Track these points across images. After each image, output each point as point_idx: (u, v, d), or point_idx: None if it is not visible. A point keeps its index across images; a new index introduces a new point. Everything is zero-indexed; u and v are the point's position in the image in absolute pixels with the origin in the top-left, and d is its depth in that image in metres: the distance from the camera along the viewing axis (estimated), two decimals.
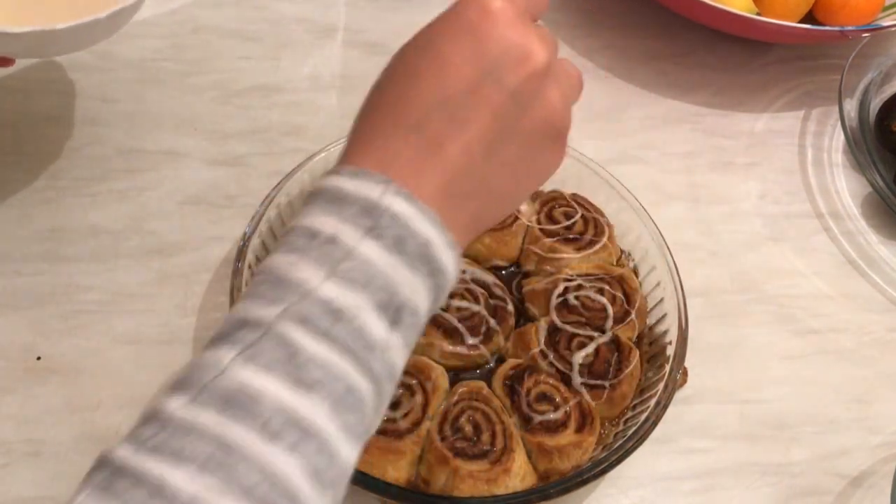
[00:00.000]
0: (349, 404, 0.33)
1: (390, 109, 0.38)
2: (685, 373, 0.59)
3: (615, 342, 0.57)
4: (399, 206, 0.35)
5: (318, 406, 0.32)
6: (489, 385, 0.55)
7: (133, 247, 0.63)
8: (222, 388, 0.32)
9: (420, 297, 0.36)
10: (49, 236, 0.63)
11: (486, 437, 0.51)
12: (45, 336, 0.58)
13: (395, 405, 0.52)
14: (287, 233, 0.36)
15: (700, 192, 0.74)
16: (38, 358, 0.58)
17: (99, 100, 0.71)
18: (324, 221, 0.35)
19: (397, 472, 0.50)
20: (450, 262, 0.37)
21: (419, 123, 0.37)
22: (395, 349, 0.35)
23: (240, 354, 0.33)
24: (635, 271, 0.62)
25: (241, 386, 0.32)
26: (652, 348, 0.59)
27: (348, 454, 0.33)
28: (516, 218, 0.62)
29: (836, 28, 0.79)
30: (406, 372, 0.53)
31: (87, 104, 0.70)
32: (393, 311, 0.35)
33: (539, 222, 0.62)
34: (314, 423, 0.32)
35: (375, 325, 0.34)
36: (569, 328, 0.57)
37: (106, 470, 0.32)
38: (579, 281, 0.59)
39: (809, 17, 0.82)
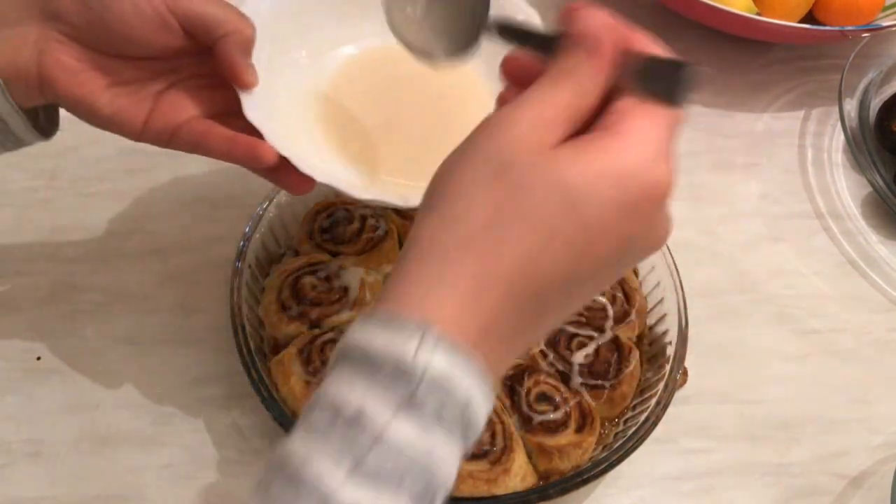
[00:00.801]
0: None
1: (465, 250, 0.33)
2: (685, 373, 0.59)
3: (615, 342, 0.57)
4: (439, 363, 0.30)
5: None
6: None
7: (133, 247, 0.63)
8: None
9: (454, 467, 0.32)
10: (49, 236, 0.63)
11: (485, 436, 0.51)
12: (46, 336, 0.58)
13: None
14: (311, 404, 0.32)
15: (700, 192, 0.74)
16: (38, 358, 0.58)
17: None
18: (348, 392, 0.31)
19: None
20: (485, 415, 0.33)
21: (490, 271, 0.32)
22: None
23: None
24: (635, 271, 0.62)
25: None
26: (652, 348, 0.59)
27: None
28: None
29: (836, 28, 0.79)
30: None
31: None
32: (430, 497, 0.31)
33: None
34: None
35: None
36: (569, 328, 0.57)
37: None
38: None
39: (809, 17, 0.82)
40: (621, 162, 0.32)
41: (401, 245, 0.60)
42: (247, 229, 0.58)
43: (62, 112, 0.49)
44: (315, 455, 0.30)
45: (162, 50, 0.46)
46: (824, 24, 0.81)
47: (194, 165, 0.68)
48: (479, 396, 0.32)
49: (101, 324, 0.59)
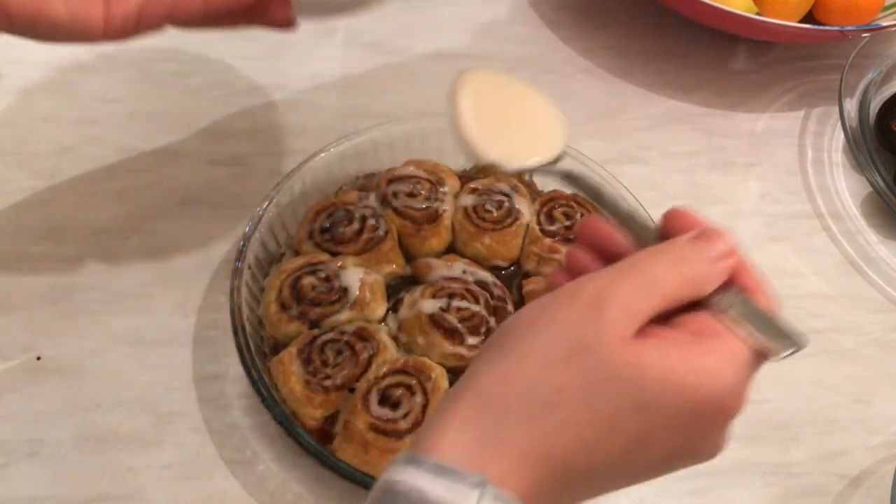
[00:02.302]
0: None
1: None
2: None
3: None
4: None
5: None
6: None
7: (133, 247, 0.63)
8: None
9: None
10: (49, 236, 0.63)
11: None
12: (45, 336, 0.58)
13: (395, 405, 0.51)
14: None
15: (700, 192, 0.74)
16: (38, 358, 0.58)
17: (99, 100, 0.71)
18: None
19: None
20: None
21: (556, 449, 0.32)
22: None
23: None
24: None
25: None
26: None
27: None
28: (517, 218, 0.62)
29: (836, 28, 0.79)
30: (406, 372, 0.53)
31: (86, 104, 0.70)
32: None
33: (539, 222, 0.62)
34: None
35: None
36: None
37: None
38: None
39: (809, 17, 0.82)
40: (704, 382, 0.33)
41: (401, 245, 0.60)
42: (247, 229, 0.58)
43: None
44: None
45: None
46: (824, 24, 0.81)
47: (194, 166, 0.68)
48: None
49: (101, 324, 0.59)
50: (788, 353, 0.36)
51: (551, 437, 0.32)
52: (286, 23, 0.48)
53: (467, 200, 0.63)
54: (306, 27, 0.79)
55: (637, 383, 0.32)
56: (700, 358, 0.33)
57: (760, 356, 0.35)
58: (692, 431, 0.33)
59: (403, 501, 0.30)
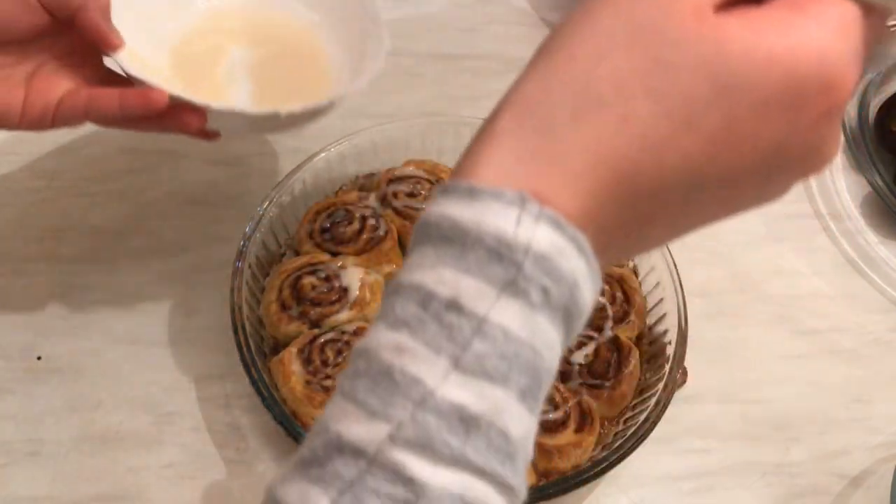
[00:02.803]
0: None
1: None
2: (685, 373, 0.59)
3: (615, 342, 0.57)
4: (544, 238, 0.26)
5: None
6: None
7: (133, 247, 0.63)
8: None
9: (557, 357, 0.27)
10: (49, 236, 0.63)
11: None
12: (45, 336, 0.58)
13: None
14: (388, 293, 0.27)
15: None
16: (39, 358, 0.58)
17: None
18: (438, 275, 0.26)
19: None
20: (591, 302, 0.28)
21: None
22: (533, 433, 0.27)
23: (338, 500, 0.24)
24: (635, 271, 0.62)
25: None
26: (652, 348, 0.59)
27: None
28: None
29: None
30: None
31: None
32: (536, 391, 0.27)
33: None
34: None
35: (518, 422, 0.26)
36: None
37: None
38: None
39: None
40: (803, 52, 0.26)
41: (401, 245, 0.60)
42: (247, 229, 0.58)
43: None
44: (408, 350, 0.25)
45: (25, 31, 0.46)
46: None
47: (194, 165, 0.68)
48: (587, 279, 0.27)
49: (102, 323, 0.59)
50: None
51: (608, 138, 0.26)
52: (200, 132, 0.48)
53: None
54: None
55: (716, 62, 0.26)
56: (798, 18, 0.26)
57: (876, 14, 0.28)
58: (792, 122, 0.26)
59: (434, 232, 0.26)
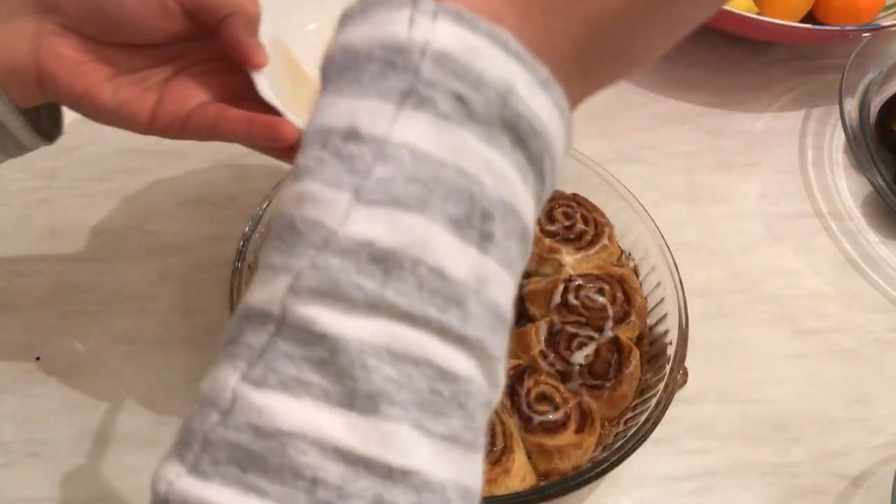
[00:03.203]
0: (444, 404, 0.22)
1: None
2: (685, 373, 0.59)
3: (615, 342, 0.57)
4: (446, 34, 0.21)
5: (394, 432, 0.21)
6: None
7: (132, 247, 0.63)
8: (232, 438, 0.22)
9: (513, 185, 0.23)
10: (48, 236, 0.63)
11: (485, 437, 0.51)
12: (45, 336, 0.58)
13: None
14: (300, 144, 0.23)
15: (700, 192, 0.74)
16: (38, 358, 0.57)
17: None
18: (335, 109, 0.22)
19: None
20: (548, 110, 0.23)
21: None
22: (495, 280, 0.23)
23: (249, 371, 0.22)
24: (635, 271, 0.62)
25: (258, 427, 0.21)
26: (652, 348, 0.59)
27: (464, 476, 0.22)
28: None
29: (837, 28, 0.79)
30: None
31: None
32: (478, 221, 0.22)
33: (539, 222, 0.62)
34: (406, 467, 0.21)
35: (457, 258, 0.22)
36: (569, 328, 0.57)
37: None
38: (579, 281, 0.59)
39: (810, 17, 0.82)
40: None
41: None
42: (246, 229, 0.58)
43: (67, 111, 0.49)
44: (308, 194, 0.22)
45: (164, 36, 0.44)
46: (824, 24, 0.81)
47: (194, 165, 0.68)
48: (526, 82, 0.22)
49: (101, 324, 0.59)
50: None
51: None
52: None
53: None
54: None
55: None
56: None
57: None
58: None
59: (330, 67, 0.23)
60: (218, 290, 0.61)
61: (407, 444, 0.21)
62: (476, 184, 0.22)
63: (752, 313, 0.67)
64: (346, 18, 0.23)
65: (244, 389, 0.22)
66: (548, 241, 0.61)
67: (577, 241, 0.61)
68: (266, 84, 0.44)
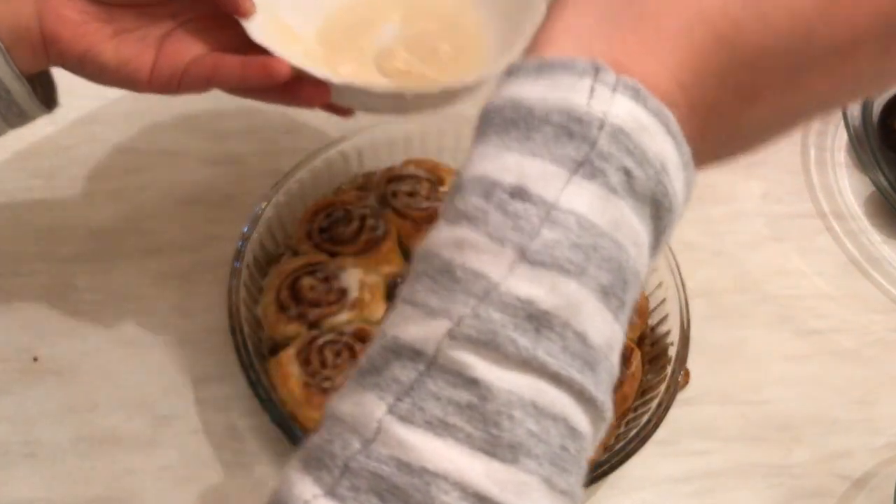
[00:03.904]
0: (569, 460, 0.23)
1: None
2: (687, 374, 0.59)
3: None
4: (624, 110, 0.22)
5: (528, 483, 0.22)
6: None
7: (131, 247, 0.63)
8: (374, 468, 0.22)
9: (645, 257, 0.24)
10: (46, 236, 0.62)
11: None
12: (42, 337, 0.58)
13: None
14: (452, 190, 0.24)
15: (702, 192, 0.73)
16: (35, 359, 0.57)
17: (96, 98, 0.70)
18: (501, 162, 0.23)
19: None
20: (681, 190, 0.24)
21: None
22: (618, 345, 0.25)
23: (396, 405, 0.22)
24: None
25: (402, 462, 0.21)
26: (654, 349, 0.59)
27: None
28: None
29: None
30: None
31: (83, 103, 0.70)
32: (620, 291, 0.23)
33: None
34: None
35: (599, 326, 0.23)
36: None
37: None
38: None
39: None
40: None
41: (400, 246, 0.60)
42: (245, 229, 0.57)
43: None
44: (469, 243, 0.22)
45: None
46: None
47: (192, 164, 0.68)
48: (677, 167, 0.23)
49: (99, 324, 0.59)
50: None
51: None
52: (328, 107, 0.47)
53: None
54: None
55: None
56: None
57: None
58: None
59: (497, 118, 0.23)
60: (216, 290, 0.60)
61: (537, 497, 0.22)
62: (625, 254, 0.23)
63: (754, 314, 0.66)
64: (518, 71, 0.24)
65: (390, 423, 0.22)
66: None
67: None
68: (256, 28, 0.46)
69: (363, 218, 0.59)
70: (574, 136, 0.22)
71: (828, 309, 0.68)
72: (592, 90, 0.22)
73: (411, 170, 0.63)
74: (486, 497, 0.21)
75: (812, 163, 0.77)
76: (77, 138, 0.68)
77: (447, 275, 0.23)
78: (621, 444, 0.52)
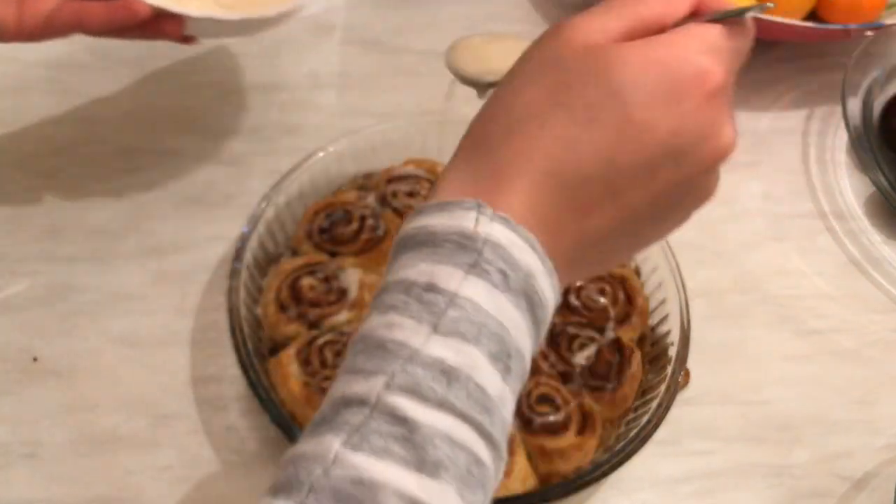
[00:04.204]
0: (474, 481, 0.30)
1: (512, 140, 0.34)
2: (687, 374, 0.59)
3: (617, 343, 0.56)
4: (499, 232, 0.32)
5: (447, 491, 0.29)
6: None
7: (130, 247, 0.63)
8: (334, 485, 0.28)
9: (525, 339, 0.33)
10: (46, 236, 0.62)
11: None
12: (42, 337, 0.58)
13: None
14: (377, 295, 0.33)
15: None
16: (35, 359, 0.57)
17: (96, 98, 0.70)
18: (416, 269, 0.32)
19: None
20: (549, 292, 0.33)
21: (557, 171, 0.33)
22: (508, 403, 0.32)
23: (348, 440, 0.29)
24: (637, 272, 0.62)
25: (355, 479, 0.28)
26: (654, 349, 0.59)
27: None
28: None
29: (840, 26, 0.78)
30: None
31: (84, 103, 0.70)
32: (505, 359, 0.31)
33: None
34: None
35: (491, 381, 0.31)
36: (570, 329, 0.56)
37: None
38: (580, 282, 0.58)
39: (812, 16, 0.82)
40: (668, 50, 0.33)
41: None
42: (245, 229, 0.57)
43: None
44: (396, 324, 0.31)
45: None
46: (827, 23, 0.81)
47: (192, 165, 0.68)
48: (543, 274, 0.32)
49: (98, 324, 0.59)
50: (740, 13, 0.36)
51: (531, 145, 0.33)
52: (178, 38, 0.54)
53: None
54: (304, 25, 0.79)
55: (604, 72, 0.33)
56: (662, 37, 0.34)
57: (729, 32, 0.36)
58: (679, 108, 0.33)
59: (411, 241, 0.33)
60: (216, 290, 0.61)
61: (453, 502, 0.29)
62: (506, 332, 0.32)
63: (755, 314, 0.66)
64: (424, 209, 0.33)
65: (344, 452, 0.29)
66: None
67: None
68: None
69: (363, 218, 0.59)
70: (466, 249, 0.31)
71: (828, 309, 0.68)
72: (477, 219, 0.32)
73: (411, 170, 0.63)
74: (419, 500, 0.28)
75: (812, 163, 0.77)
76: (77, 138, 0.68)
77: (381, 348, 0.31)
78: (621, 444, 0.52)
